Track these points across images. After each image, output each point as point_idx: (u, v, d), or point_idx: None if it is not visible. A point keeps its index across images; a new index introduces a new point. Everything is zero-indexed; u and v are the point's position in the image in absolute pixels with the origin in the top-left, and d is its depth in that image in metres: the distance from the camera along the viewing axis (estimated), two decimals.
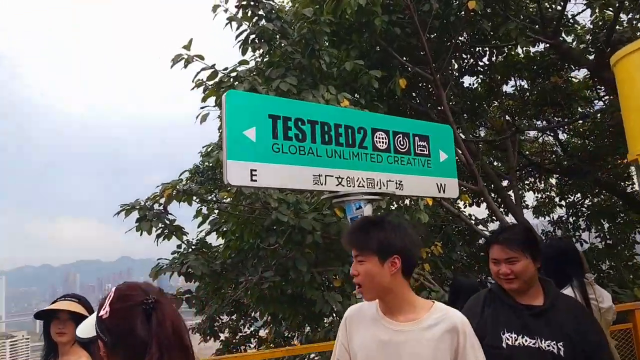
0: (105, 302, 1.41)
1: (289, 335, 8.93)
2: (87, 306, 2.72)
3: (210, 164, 7.86)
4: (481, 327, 2.20)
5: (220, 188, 7.18)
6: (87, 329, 1.43)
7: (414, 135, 3.61)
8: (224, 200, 6.18)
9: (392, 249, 1.91)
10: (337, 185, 3.15)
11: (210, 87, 5.81)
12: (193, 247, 6.34)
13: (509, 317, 2.26)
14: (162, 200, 5.54)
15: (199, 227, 6.27)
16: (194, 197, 5.53)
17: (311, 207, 5.52)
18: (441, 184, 3.70)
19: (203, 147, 7.80)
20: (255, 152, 2.86)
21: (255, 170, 2.84)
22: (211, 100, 5.87)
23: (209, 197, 6.44)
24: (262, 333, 9.66)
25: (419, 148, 3.62)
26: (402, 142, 3.53)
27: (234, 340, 9.41)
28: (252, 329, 9.79)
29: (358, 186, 3.22)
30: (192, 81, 5.67)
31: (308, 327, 7.64)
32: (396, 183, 3.44)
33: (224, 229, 6.27)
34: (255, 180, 2.85)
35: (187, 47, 5.46)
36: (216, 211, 6.24)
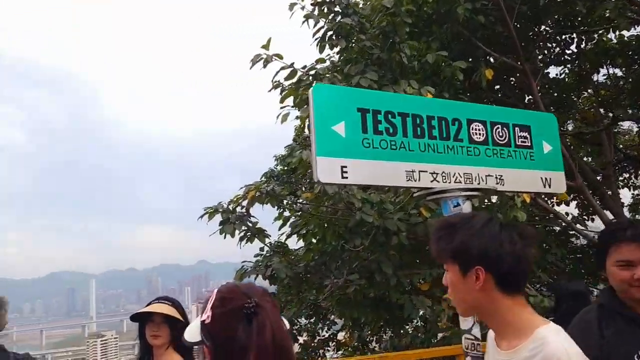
0: (207, 306, 1.37)
1: (368, 339, 8.74)
2: (180, 310, 2.69)
3: (286, 167, 7.84)
4: (607, 353, 1.83)
5: (296, 191, 7.12)
6: (193, 333, 1.38)
7: (514, 126, 3.29)
8: (305, 202, 6.09)
9: (470, 258, 1.52)
10: (431, 181, 2.91)
11: (287, 87, 5.72)
12: (275, 249, 6.30)
13: (638, 334, 1.88)
14: (244, 203, 5.52)
15: (279, 229, 6.22)
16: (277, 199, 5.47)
17: (396, 207, 5.28)
18: (546, 178, 3.36)
19: (285, 147, 7.77)
20: (345, 147, 2.68)
21: (346, 167, 2.67)
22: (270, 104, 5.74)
23: (289, 200, 6.37)
24: (340, 336, 9.55)
25: (520, 139, 3.30)
26: (501, 134, 3.23)
27: (312, 344, 9.37)
28: (329, 332, 9.70)
29: (455, 182, 2.97)
30: (271, 81, 5.60)
31: (390, 332, 7.40)
32: (496, 178, 3.14)
33: (304, 231, 6.17)
34: (346, 177, 2.69)
35: (266, 46, 5.40)
36: (298, 213, 6.15)
